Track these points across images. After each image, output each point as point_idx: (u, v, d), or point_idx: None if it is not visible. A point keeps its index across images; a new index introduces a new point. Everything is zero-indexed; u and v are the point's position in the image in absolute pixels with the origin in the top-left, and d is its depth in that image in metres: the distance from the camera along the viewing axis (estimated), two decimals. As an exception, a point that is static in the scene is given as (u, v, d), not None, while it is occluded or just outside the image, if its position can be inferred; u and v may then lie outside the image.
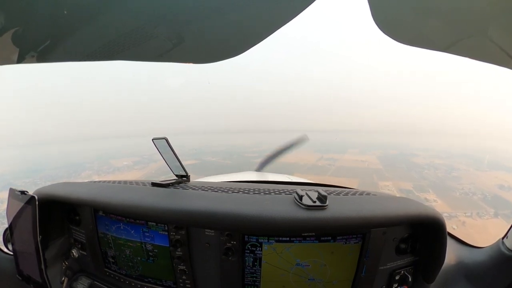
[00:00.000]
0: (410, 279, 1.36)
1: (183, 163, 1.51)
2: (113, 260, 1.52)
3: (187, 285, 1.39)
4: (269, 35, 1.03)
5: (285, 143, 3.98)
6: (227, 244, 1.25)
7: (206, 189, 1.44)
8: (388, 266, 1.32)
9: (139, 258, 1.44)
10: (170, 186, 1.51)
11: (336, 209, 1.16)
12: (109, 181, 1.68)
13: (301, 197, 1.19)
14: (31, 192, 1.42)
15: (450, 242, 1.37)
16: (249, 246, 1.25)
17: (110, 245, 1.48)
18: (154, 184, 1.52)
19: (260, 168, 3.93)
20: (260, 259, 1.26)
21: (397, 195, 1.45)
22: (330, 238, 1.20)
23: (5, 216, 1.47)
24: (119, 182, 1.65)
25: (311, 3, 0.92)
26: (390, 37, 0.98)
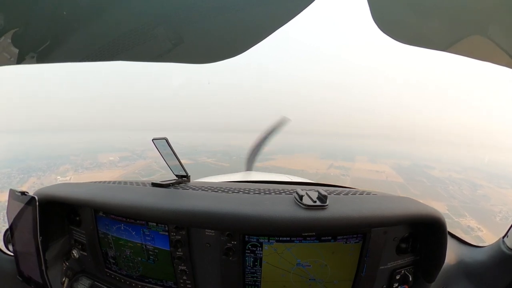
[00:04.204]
0: (410, 279, 1.36)
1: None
2: (113, 261, 1.52)
3: (188, 286, 1.39)
4: (269, 34, 1.03)
5: (265, 130, 3.85)
6: (228, 244, 1.25)
7: (206, 189, 1.44)
8: (389, 266, 1.32)
9: (139, 259, 1.44)
10: (170, 186, 1.51)
11: (337, 208, 1.16)
12: (109, 182, 1.68)
13: (301, 197, 1.19)
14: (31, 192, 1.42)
15: (450, 242, 1.37)
16: (250, 246, 1.24)
17: (111, 245, 1.48)
18: (154, 185, 1.52)
19: (250, 165, 3.82)
20: (261, 259, 1.26)
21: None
22: (331, 238, 1.20)
23: (5, 217, 1.47)
24: (119, 182, 1.65)
25: (311, 3, 0.92)
26: (390, 36, 0.98)
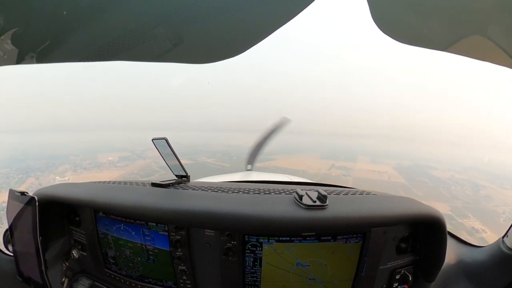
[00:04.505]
0: (410, 278, 1.36)
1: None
2: (113, 261, 1.52)
3: (188, 286, 1.39)
4: (269, 34, 1.03)
5: (266, 130, 3.88)
6: (227, 244, 1.25)
7: (206, 189, 1.44)
8: (389, 266, 1.32)
9: (139, 259, 1.44)
10: (170, 186, 1.51)
11: (336, 208, 1.16)
12: (109, 182, 1.68)
13: (301, 197, 1.19)
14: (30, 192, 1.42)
15: (450, 241, 1.37)
16: (250, 246, 1.24)
17: (110, 245, 1.48)
18: (154, 185, 1.52)
19: (251, 162, 3.83)
20: (261, 259, 1.26)
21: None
22: (331, 237, 1.20)
23: (5, 217, 1.47)
24: (119, 182, 1.65)
25: (311, 2, 0.92)
26: (390, 36, 0.98)
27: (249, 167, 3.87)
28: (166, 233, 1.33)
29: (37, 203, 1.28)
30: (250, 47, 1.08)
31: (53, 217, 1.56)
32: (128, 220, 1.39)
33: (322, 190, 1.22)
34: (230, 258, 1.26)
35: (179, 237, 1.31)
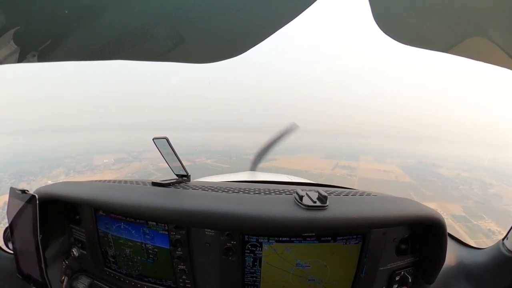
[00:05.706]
0: (410, 280, 1.35)
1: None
2: (113, 260, 1.52)
3: (187, 285, 1.39)
4: (269, 35, 1.03)
5: (274, 135, 3.88)
6: (227, 244, 1.25)
7: (206, 189, 1.44)
8: (388, 267, 1.32)
9: (139, 258, 1.44)
10: (170, 186, 1.51)
11: (337, 209, 1.15)
12: (109, 180, 1.68)
13: (301, 197, 1.19)
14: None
15: (450, 243, 1.37)
16: (249, 246, 1.24)
17: (110, 244, 1.48)
18: (154, 184, 1.52)
19: (254, 166, 3.84)
20: (260, 259, 1.26)
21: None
22: (330, 238, 1.20)
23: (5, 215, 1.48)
24: (119, 181, 1.65)
25: (312, 3, 0.92)
26: (391, 37, 0.98)
27: (252, 168, 3.90)
28: (166, 232, 1.33)
29: (37, 201, 1.28)
30: (251, 47, 1.08)
31: (53, 215, 1.56)
32: (128, 219, 1.39)
33: (322, 190, 1.21)
34: (230, 258, 1.26)
35: (179, 237, 1.31)
